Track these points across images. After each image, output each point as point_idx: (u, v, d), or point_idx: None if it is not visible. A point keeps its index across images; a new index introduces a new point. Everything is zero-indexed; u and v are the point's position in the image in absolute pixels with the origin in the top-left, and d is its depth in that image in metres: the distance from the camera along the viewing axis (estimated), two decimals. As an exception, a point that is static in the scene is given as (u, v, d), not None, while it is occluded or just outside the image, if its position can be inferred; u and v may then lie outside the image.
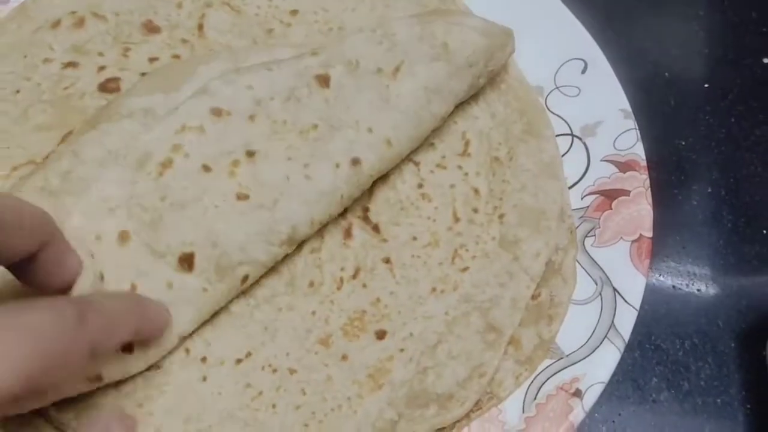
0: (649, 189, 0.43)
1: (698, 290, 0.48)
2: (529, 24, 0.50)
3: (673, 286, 0.48)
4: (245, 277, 0.39)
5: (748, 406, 0.44)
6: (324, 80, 0.44)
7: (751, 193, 0.52)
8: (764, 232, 0.51)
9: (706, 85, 0.57)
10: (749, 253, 0.50)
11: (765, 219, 0.51)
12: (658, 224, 0.44)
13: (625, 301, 0.40)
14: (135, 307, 0.32)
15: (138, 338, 0.34)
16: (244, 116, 0.42)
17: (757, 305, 0.47)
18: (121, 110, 0.42)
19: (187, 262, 0.37)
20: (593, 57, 0.49)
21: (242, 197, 0.39)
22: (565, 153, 0.47)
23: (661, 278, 0.49)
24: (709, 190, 0.52)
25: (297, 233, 0.40)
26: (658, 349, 0.46)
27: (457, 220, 0.44)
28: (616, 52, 0.50)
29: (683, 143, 0.54)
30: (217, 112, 0.42)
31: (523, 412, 0.37)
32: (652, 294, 0.48)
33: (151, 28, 0.50)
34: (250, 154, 0.41)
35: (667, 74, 0.58)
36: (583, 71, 0.49)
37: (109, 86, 0.45)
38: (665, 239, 0.50)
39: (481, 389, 0.38)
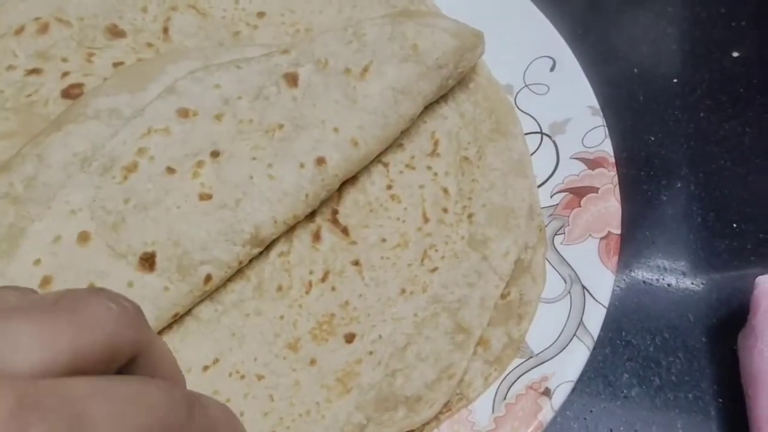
0: (618, 186, 0.44)
1: (668, 285, 0.49)
2: (497, 22, 0.50)
3: (644, 282, 0.49)
4: (208, 277, 0.39)
5: (720, 400, 0.44)
6: (293, 79, 0.44)
7: (721, 187, 0.53)
8: (734, 226, 0.51)
9: (675, 81, 0.58)
10: (719, 247, 0.50)
11: (734, 213, 0.51)
12: (628, 220, 0.44)
13: (594, 298, 0.40)
14: (231, 421, 0.27)
15: None
16: (210, 116, 0.42)
17: (727, 299, 0.48)
18: (87, 111, 0.43)
19: (148, 261, 0.38)
20: (561, 55, 0.49)
21: (205, 197, 0.40)
22: (535, 151, 0.47)
23: (632, 274, 0.49)
24: (679, 185, 0.53)
25: (260, 233, 0.40)
26: (628, 345, 0.46)
27: (426, 220, 0.44)
28: (585, 48, 0.51)
29: (652, 139, 0.55)
30: (183, 113, 0.42)
31: (493, 412, 0.38)
32: (622, 290, 0.48)
33: (115, 33, 0.50)
34: (215, 154, 0.41)
35: (636, 70, 0.58)
36: (552, 69, 0.49)
37: (72, 92, 0.45)
38: (635, 235, 0.50)
39: (450, 391, 0.38)
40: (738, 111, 0.56)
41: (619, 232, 0.42)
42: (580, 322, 0.39)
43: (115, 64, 0.48)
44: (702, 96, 0.57)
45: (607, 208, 0.43)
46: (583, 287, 0.41)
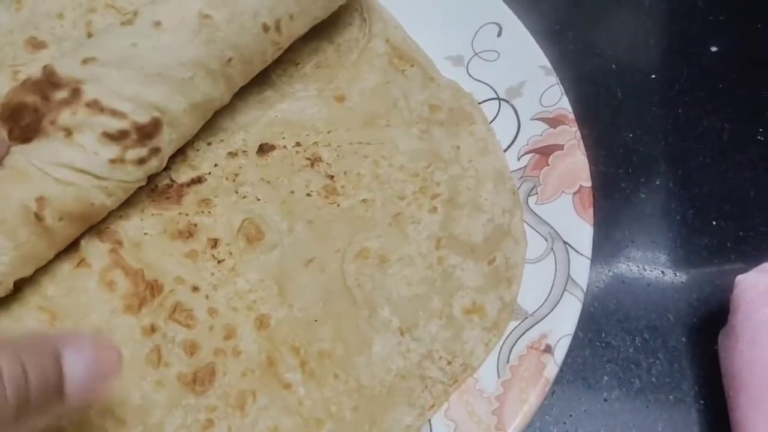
0: (581, 140, 0.47)
1: (648, 284, 0.51)
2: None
3: (623, 281, 0.51)
4: None
5: (701, 401, 0.46)
6: None
7: (700, 184, 0.55)
8: (714, 223, 0.53)
9: (653, 76, 0.61)
10: (699, 245, 0.52)
11: (714, 210, 0.54)
12: (607, 218, 0.48)
13: (577, 251, 0.43)
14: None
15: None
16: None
17: (707, 298, 0.50)
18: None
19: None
20: (506, 20, 0.52)
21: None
22: (494, 117, 0.50)
23: (611, 273, 0.51)
24: (657, 182, 0.55)
25: None
26: (608, 346, 0.48)
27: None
28: (562, 44, 0.54)
29: (630, 135, 0.57)
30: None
31: (499, 377, 0.40)
32: (601, 289, 0.50)
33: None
34: None
35: (613, 66, 0.61)
36: (499, 35, 0.52)
37: (6, 113, 0.45)
38: (614, 233, 0.52)
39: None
40: (717, 107, 0.59)
41: (590, 184, 0.46)
42: (568, 277, 0.43)
43: (44, 79, 0.47)
44: (680, 92, 0.60)
45: (575, 162, 0.47)
46: (565, 243, 0.44)
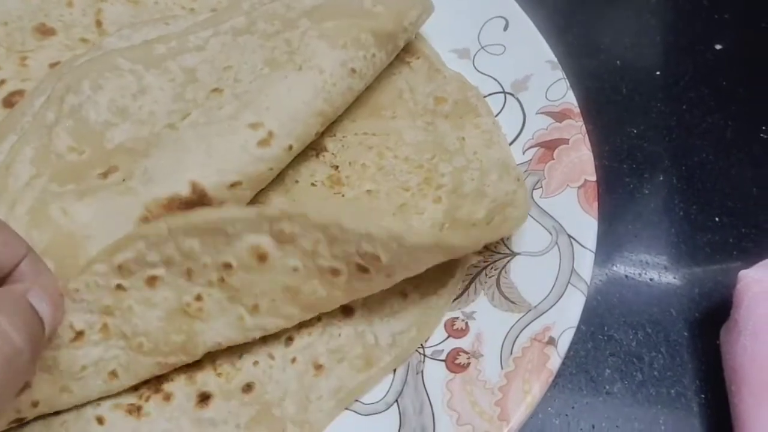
0: (587, 135, 0.47)
1: (651, 279, 0.51)
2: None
3: (626, 276, 0.51)
4: None
5: (703, 395, 0.46)
6: None
7: (703, 180, 0.55)
8: (716, 219, 0.53)
9: (657, 73, 0.61)
10: (701, 240, 0.52)
11: (716, 207, 0.54)
12: (610, 213, 0.48)
13: (581, 245, 0.43)
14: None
15: None
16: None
17: (709, 293, 0.50)
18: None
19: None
20: (513, 14, 0.52)
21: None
22: (500, 111, 0.50)
23: (614, 267, 0.51)
24: (661, 178, 0.55)
25: None
26: (611, 340, 0.48)
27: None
28: (567, 41, 0.53)
29: (635, 131, 0.57)
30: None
31: (502, 368, 0.40)
32: (604, 284, 0.50)
33: (44, 32, 0.49)
34: None
35: (618, 62, 0.61)
36: (505, 28, 0.52)
37: (14, 100, 0.45)
38: (617, 228, 0.52)
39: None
40: (720, 104, 0.59)
41: (594, 178, 0.45)
42: (572, 270, 0.42)
43: (52, 65, 0.47)
44: (685, 89, 0.60)
45: (580, 157, 0.46)
46: (569, 236, 0.44)
